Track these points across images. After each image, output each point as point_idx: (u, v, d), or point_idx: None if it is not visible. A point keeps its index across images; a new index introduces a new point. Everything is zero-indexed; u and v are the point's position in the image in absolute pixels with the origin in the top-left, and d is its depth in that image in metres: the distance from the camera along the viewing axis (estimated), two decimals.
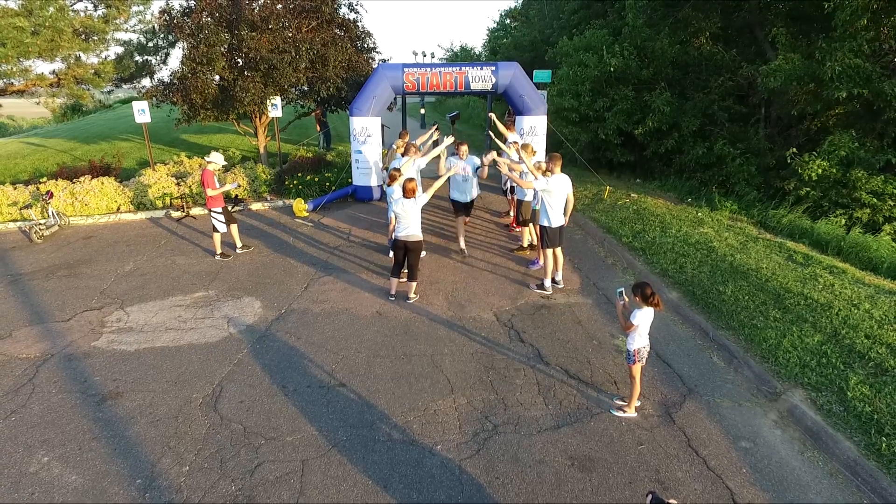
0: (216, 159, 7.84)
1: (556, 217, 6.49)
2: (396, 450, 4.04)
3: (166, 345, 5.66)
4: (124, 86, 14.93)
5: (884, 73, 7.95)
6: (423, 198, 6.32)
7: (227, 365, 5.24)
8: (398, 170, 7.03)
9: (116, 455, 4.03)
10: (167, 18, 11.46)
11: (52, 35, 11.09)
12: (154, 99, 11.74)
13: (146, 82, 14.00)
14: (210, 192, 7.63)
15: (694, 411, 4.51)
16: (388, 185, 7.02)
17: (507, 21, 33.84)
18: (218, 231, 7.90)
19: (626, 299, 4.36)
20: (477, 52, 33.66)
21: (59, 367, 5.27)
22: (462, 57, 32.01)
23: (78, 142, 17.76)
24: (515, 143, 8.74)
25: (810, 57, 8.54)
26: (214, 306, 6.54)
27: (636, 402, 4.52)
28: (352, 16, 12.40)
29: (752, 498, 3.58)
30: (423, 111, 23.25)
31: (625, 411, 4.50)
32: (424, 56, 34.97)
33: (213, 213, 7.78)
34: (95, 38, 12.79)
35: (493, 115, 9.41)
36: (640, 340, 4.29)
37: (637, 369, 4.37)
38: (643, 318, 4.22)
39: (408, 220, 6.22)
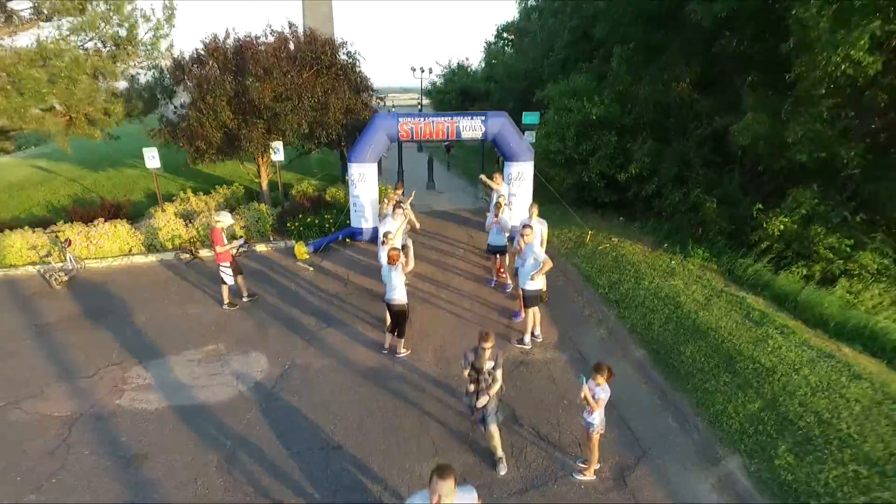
0: (224, 219, 8.49)
1: (537, 283, 7.16)
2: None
3: (183, 403, 6.33)
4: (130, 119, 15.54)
5: (842, 137, 8.62)
6: (408, 267, 6.98)
7: (238, 425, 5.91)
8: (390, 234, 7.69)
9: None
10: (179, 69, 12.17)
11: (67, 84, 11.74)
12: (161, 140, 12.45)
13: (152, 119, 14.68)
14: (219, 249, 8.30)
15: (645, 475, 5.19)
16: (383, 244, 7.68)
17: (504, 35, 34.65)
18: (226, 283, 8.57)
19: (586, 388, 4.91)
20: (473, 69, 34.36)
21: (89, 427, 5.94)
22: (459, 74, 32.66)
23: (85, 167, 18.35)
24: (503, 196, 9.45)
25: (776, 115, 9.21)
26: (224, 361, 7.21)
27: (595, 466, 5.20)
28: (350, 62, 13.03)
29: None
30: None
31: (585, 475, 5.17)
32: (423, 72, 35.71)
33: (221, 267, 8.45)
34: (106, 79, 13.42)
35: (482, 177, 10.13)
36: (600, 414, 4.95)
37: (596, 438, 5.04)
38: (606, 394, 4.89)
39: (391, 284, 6.86)
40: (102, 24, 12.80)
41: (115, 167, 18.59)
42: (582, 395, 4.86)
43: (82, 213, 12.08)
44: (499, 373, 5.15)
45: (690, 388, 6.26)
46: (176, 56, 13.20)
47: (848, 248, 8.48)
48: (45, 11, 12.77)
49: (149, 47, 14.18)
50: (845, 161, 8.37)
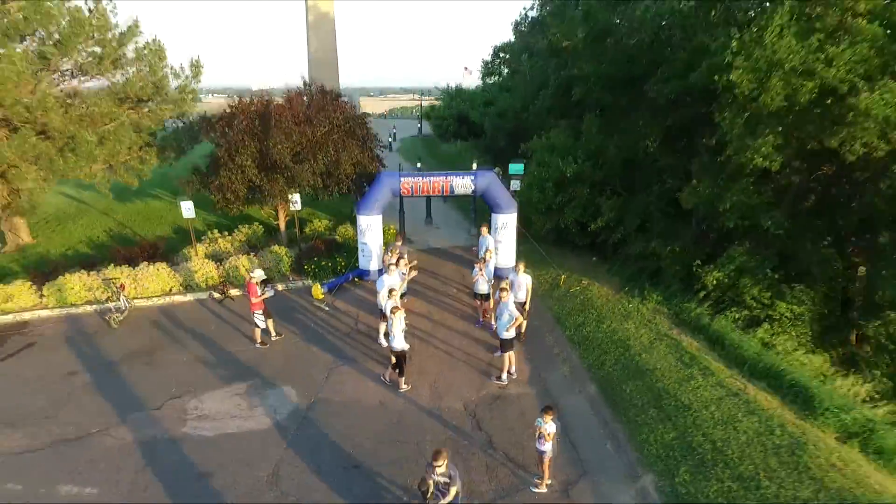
0: (258, 275, 10.32)
1: (511, 332, 9.01)
2: None
3: (234, 431, 8.17)
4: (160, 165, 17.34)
5: (767, 206, 10.47)
6: (401, 319, 8.74)
7: (279, 449, 7.75)
8: (393, 290, 9.52)
9: None
10: (207, 124, 14.04)
11: (114, 145, 13.59)
12: (192, 189, 14.33)
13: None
14: (254, 300, 10.15)
15: (584, 488, 7.04)
16: (389, 298, 9.51)
17: (500, 54, 36.68)
18: (259, 327, 10.42)
19: (542, 427, 6.72)
20: (471, 89, 36.25)
21: (165, 450, 7.77)
22: (458, 99, 34.42)
23: (114, 199, 19.97)
24: (490, 251, 11.32)
25: (716, 184, 11.06)
26: (262, 395, 9.05)
27: (547, 482, 7.04)
28: (359, 119, 14.88)
29: None
30: (419, 165, 25.68)
31: (539, 488, 7.02)
32: (422, 95, 37.52)
33: (255, 314, 10.30)
34: (143, 133, 15.26)
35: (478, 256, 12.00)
36: (550, 444, 6.78)
37: (547, 462, 6.88)
38: (553, 428, 6.72)
39: (392, 332, 8.68)
40: (139, 85, 14.65)
41: (140, 197, 20.41)
42: (538, 432, 6.71)
43: (125, 253, 13.90)
44: (453, 489, 5.59)
45: (626, 420, 8.12)
46: (203, 113, 15.03)
47: (767, 299, 10.34)
48: (88, 70, 14.63)
49: (178, 101, 16.09)
50: (765, 228, 10.23)
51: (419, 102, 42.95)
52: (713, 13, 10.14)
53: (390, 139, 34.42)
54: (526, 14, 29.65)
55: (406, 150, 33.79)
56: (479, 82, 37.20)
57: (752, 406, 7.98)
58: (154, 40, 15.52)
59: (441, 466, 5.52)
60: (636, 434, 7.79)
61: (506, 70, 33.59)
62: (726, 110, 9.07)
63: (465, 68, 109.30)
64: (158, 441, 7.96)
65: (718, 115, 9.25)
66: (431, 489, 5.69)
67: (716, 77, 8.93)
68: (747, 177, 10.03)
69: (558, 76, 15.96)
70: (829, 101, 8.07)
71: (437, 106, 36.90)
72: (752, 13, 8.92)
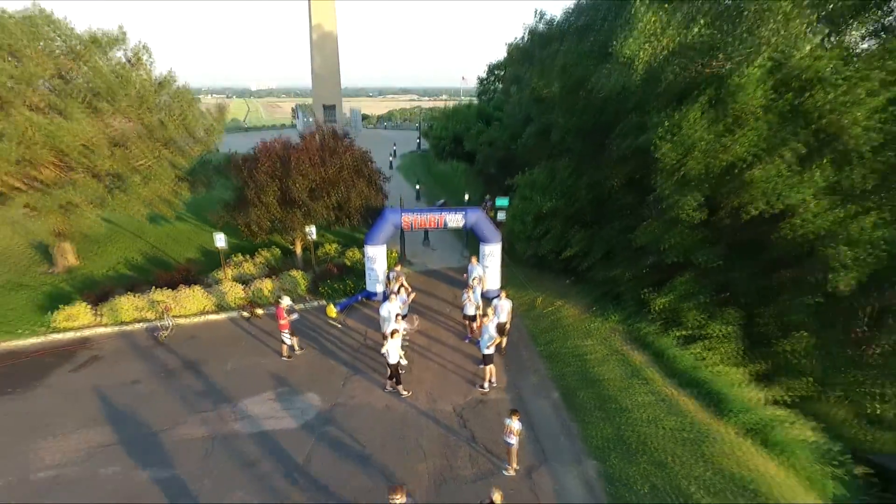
0: (286, 303, 12.58)
1: (492, 349, 11.32)
2: (418, 478, 8.84)
3: (273, 428, 10.45)
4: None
5: (702, 244, 12.79)
6: (397, 341, 11.01)
7: (309, 442, 10.03)
8: (398, 315, 11.81)
9: (271, 492, 8.82)
10: (234, 165, 16.34)
11: (156, 184, 15.85)
12: (221, 221, 16.61)
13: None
14: (282, 322, 12.42)
15: (543, 472, 9.34)
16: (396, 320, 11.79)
17: (496, 71, 39.00)
18: (285, 343, 12.70)
19: (510, 423, 9.05)
20: (468, 103, 38.58)
21: (220, 443, 10.05)
22: (454, 119, 36.60)
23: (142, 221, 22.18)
24: (477, 278, 13.63)
25: (659, 226, 13.38)
26: (291, 400, 11.33)
27: (515, 466, 9.34)
28: (367, 158, 17.18)
29: None
30: (418, 187, 27.99)
31: (509, 472, 9.32)
32: (421, 114, 39.69)
33: (283, 333, 12.57)
34: (176, 168, 17.50)
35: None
36: (516, 438, 9.08)
37: (514, 451, 9.19)
38: (518, 426, 9.03)
39: (390, 351, 10.95)
40: (173, 128, 16.93)
41: (167, 220, 22.59)
42: (507, 429, 9.02)
43: (165, 277, 16.15)
44: None
45: (578, 419, 10.44)
46: (229, 154, 17.28)
47: (702, 320, 12.68)
48: (129, 116, 16.85)
49: (205, 140, 18.37)
50: (700, 262, 12.58)
51: (418, 104, 45.33)
52: (651, 96, 12.48)
53: (391, 157, 36.67)
54: (517, 44, 32.02)
55: (405, 167, 36.09)
56: (475, 99, 39.56)
57: (675, 409, 10.33)
58: (184, 86, 17.85)
59: (398, 499, 6.44)
60: (584, 430, 10.12)
61: (500, 85, 35.93)
62: (660, 174, 11.42)
63: (462, 78, 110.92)
64: (214, 436, 10.23)
65: (655, 178, 11.59)
66: None
67: (652, 147, 11.28)
68: (683, 223, 12.37)
69: (539, 121, 18.30)
70: (735, 172, 10.43)
71: (434, 125, 39.09)
72: (673, 105, 11.27)
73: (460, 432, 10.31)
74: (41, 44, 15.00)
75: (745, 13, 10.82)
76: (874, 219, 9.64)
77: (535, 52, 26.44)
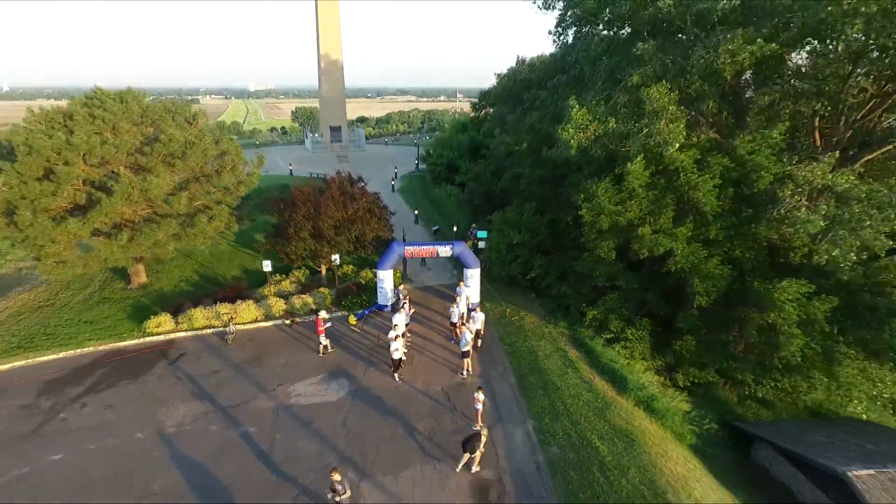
0: (323, 314, 17.41)
1: (468, 347, 16.20)
2: (405, 439, 13.73)
3: (318, 402, 15.32)
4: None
5: (624, 271, 17.69)
6: (400, 343, 15.89)
7: (343, 410, 14.90)
8: (397, 325, 16.68)
9: (322, 440, 13.69)
10: (273, 203, 21.24)
11: (217, 222, 20.71)
12: (264, 249, 21.49)
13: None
14: (320, 328, 17.29)
15: (499, 427, 14.22)
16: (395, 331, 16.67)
17: (486, 99, 43.90)
18: (321, 344, 17.56)
19: (477, 395, 13.94)
20: (459, 137, 43.48)
21: (283, 411, 14.91)
22: (448, 146, 41.60)
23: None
24: (459, 297, 18.54)
25: (591, 258, 18.29)
26: (329, 384, 16.20)
27: (480, 424, 14.19)
28: (377, 200, 22.10)
29: (499, 450, 13.29)
30: (416, 212, 32.88)
31: (478, 427, 14.20)
32: (418, 137, 44.56)
33: (320, 337, 17.44)
34: (229, 207, 22.33)
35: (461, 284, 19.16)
36: (481, 405, 13.96)
37: (479, 414, 14.07)
38: (482, 397, 13.91)
39: (394, 348, 15.81)
40: (227, 176, 21.82)
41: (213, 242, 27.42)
42: (475, 399, 13.92)
43: (222, 293, 20.99)
44: (346, 494, 10.33)
45: (525, 396, 15.33)
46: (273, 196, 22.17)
47: (622, 328, 17.60)
48: (193, 168, 21.68)
49: (248, 182, 23.23)
50: (620, 285, 17.52)
51: (416, 107, 50.51)
52: (585, 163, 17.43)
53: (392, 180, 41.60)
54: (503, 84, 37.07)
55: (405, 190, 41.01)
56: (470, 113, 44.64)
57: (592, 388, 15.24)
58: (234, 144, 22.75)
59: (335, 476, 10.15)
60: (529, 402, 15.00)
61: (492, 110, 40.88)
62: (585, 226, 16.35)
63: (458, 94, 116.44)
64: (279, 407, 15.08)
65: (584, 227, 16.54)
66: (331, 490, 10.42)
67: (580, 204, 16.23)
68: (605, 259, 17.28)
69: (511, 170, 23.27)
70: (631, 228, 15.37)
71: (431, 151, 43.98)
72: (594, 177, 16.25)
73: (445, 404, 15.18)
74: (131, 116, 19.90)
75: (644, 115, 15.76)
76: (717, 262, 14.59)
77: (517, 93, 31.61)
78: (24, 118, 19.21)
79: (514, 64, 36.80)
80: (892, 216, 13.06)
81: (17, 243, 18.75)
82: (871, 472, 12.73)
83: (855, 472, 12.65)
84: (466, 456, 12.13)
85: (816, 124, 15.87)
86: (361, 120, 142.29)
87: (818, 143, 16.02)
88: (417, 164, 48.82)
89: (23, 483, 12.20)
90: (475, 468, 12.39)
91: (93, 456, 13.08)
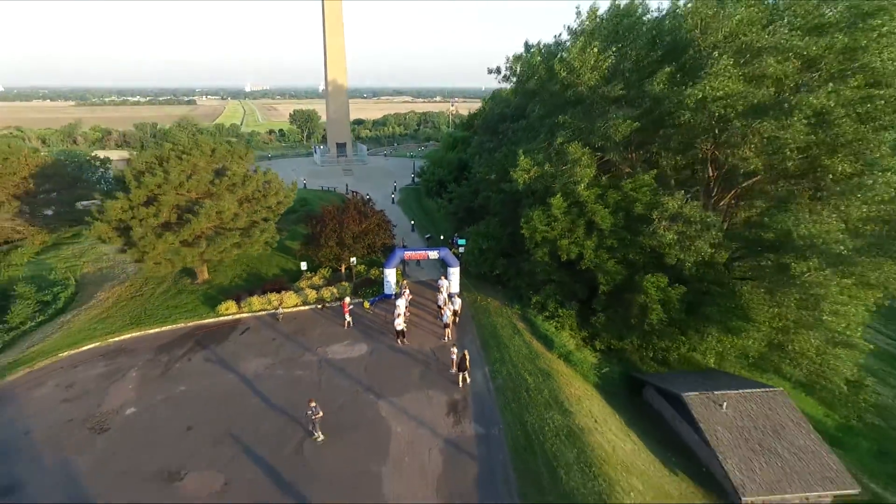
0: (348, 300, 24.92)
1: (448, 321, 23.78)
2: (405, 377, 21.28)
3: (346, 357, 22.88)
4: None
5: (557, 268, 25.29)
6: (401, 318, 23.47)
7: (364, 363, 22.46)
8: (399, 306, 24.25)
9: (353, 379, 21.24)
10: (308, 218, 28.85)
11: (267, 234, 28.21)
12: (300, 253, 29.08)
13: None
14: (345, 309, 24.83)
15: (468, 372, 21.80)
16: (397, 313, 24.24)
17: (465, 130, 51.45)
18: (346, 321, 25.09)
19: (453, 349, 21.52)
20: (449, 155, 50.99)
21: (324, 363, 22.46)
22: (438, 164, 49.16)
23: None
24: (443, 286, 26.19)
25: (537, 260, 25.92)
26: (353, 346, 23.77)
27: (454, 370, 21.77)
28: (381, 215, 29.70)
29: (462, 385, 20.90)
30: (412, 222, 40.41)
31: (451, 370, 21.78)
32: (414, 156, 52.14)
33: (346, 315, 24.97)
34: (273, 222, 29.82)
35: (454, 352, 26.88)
36: (455, 357, 21.53)
37: (454, 362, 21.65)
38: (462, 351, 21.50)
39: (398, 323, 23.37)
40: (272, 199, 29.39)
41: None
42: (451, 352, 21.52)
43: (268, 286, 28.46)
44: (318, 415, 18.27)
45: (486, 352, 22.93)
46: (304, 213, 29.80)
47: (556, 308, 25.23)
48: (248, 194, 29.12)
49: (286, 201, 30.78)
50: (555, 278, 25.17)
51: (412, 108, 58.34)
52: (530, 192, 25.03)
53: (392, 194, 49.11)
54: (484, 114, 44.66)
55: (403, 202, 48.63)
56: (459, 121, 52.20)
57: (530, 347, 22.88)
58: (273, 173, 30.30)
59: (312, 403, 17.23)
60: (487, 356, 22.59)
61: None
62: (526, 240, 23.96)
63: (452, 104, 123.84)
64: (321, 361, 22.61)
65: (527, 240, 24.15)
66: (309, 410, 17.50)
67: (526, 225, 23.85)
68: (542, 261, 24.87)
69: (483, 194, 30.90)
70: (556, 241, 23.00)
71: (425, 168, 51.49)
72: (534, 204, 23.84)
73: (432, 357, 22.74)
74: (205, 157, 27.39)
75: (567, 162, 23.34)
76: (613, 262, 22.27)
77: (494, 125, 39.27)
78: (131, 159, 26.68)
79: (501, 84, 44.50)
80: (714, 233, 20.70)
81: (128, 249, 26.20)
82: (696, 393, 20.42)
83: (686, 394, 20.35)
84: (461, 374, 19.86)
85: (689, 164, 23.55)
86: (358, 122, 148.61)
87: (713, 177, 23.65)
88: (413, 178, 56.37)
89: (168, 402, 19.68)
90: (469, 379, 20.04)
91: (205, 387, 20.59)
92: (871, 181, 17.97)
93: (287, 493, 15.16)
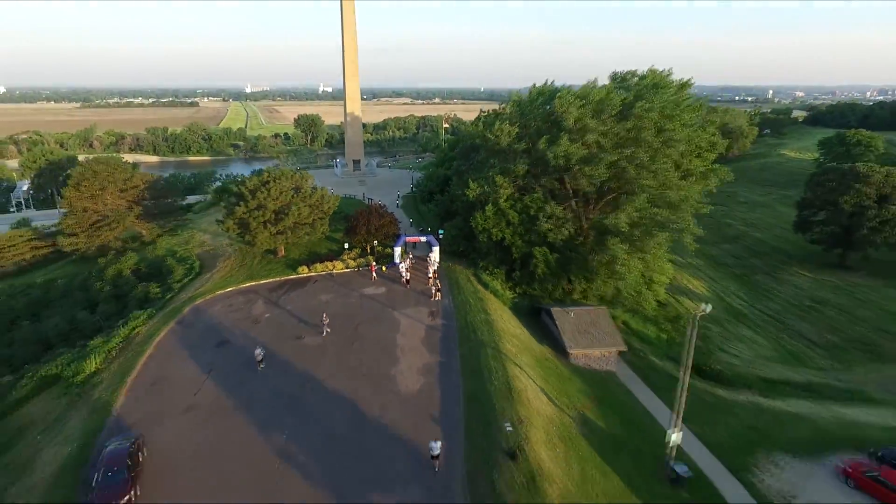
0: (374, 264, 43.47)
1: (431, 275, 42.40)
2: (406, 302, 39.87)
3: (374, 293, 41.53)
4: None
5: (494, 248, 43.87)
6: (406, 272, 42.08)
7: (384, 296, 41.06)
8: (403, 266, 42.86)
9: (379, 303, 39.87)
10: (348, 221, 47.74)
11: (324, 227, 46.87)
12: (342, 237, 47.98)
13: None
14: (373, 269, 43.46)
15: (442, 300, 40.40)
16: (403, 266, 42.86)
17: (450, 153, 70.22)
18: (374, 276, 43.68)
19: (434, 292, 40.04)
20: (440, 170, 69.65)
21: (363, 296, 41.05)
22: (432, 174, 67.72)
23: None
24: (431, 258, 45.06)
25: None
26: (378, 289, 42.46)
27: (433, 298, 40.33)
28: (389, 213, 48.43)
29: (439, 307, 39.52)
30: (411, 220, 59.02)
31: (432, 300, 40.37)
32: (411, 169, 70.89)
33: (372, 273, 43.58)
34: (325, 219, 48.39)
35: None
36: (438, 300, 40.07)
37: (433, 294, 40.24)
38: (448, 301, 40.08)
39: (404, 276, 41.92)
40: (325, 204, 48.35)
41: None
42: (434, 296, 40.19)
43: (324, 257, 47.04)
44: (328, 328, 39.33)
45: (452, 296, 41.49)
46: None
47: (493, 269, 43.92)
48: (308, 202, 47.97)
49: (332, 205, 49.72)
50: (494, 253, 43.94)
51: (411, 111, 77.59)
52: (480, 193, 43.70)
53: (397, 201, 67.75)
54: (462, 143, 63.35)
55: (405, 206, 67.31)
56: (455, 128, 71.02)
57: (479, 293, 41.73)
58: (325, 190, 49.19)
59: (325, 317, 36.72)
60: (454, 299, 41.11)
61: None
62: (477, 231, 42.65)
63: (445, 120, 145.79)
64: (360, 295, 41.17)
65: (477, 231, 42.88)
66: (322, 323, 37.72)
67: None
68: (485, 243, 43.50)
69: (456, 202, 49.68)
70: (491, 230, 41.72)
71: (420, 181, 69.96)
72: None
73: (423, 294, 41.26)
74: (289, 179, 46.06)
75: (495, 184, 41.87)
76: (520, 242, 41.01)
77: (466, 153, 58.29)
78: (246, 180, 45.42)
79: (482, 111, 63.04)
80: (569, 226, 39.36)
81: (245, 236, 44.80)
82: (560, 308, 39.10)
83: (552, 308, 39.06)
84: (436, 297, 38.58)
85: (568, 187, 42.14)
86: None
87: (571, 194, 42.18)
88: (412, 188, 74.97)
89: (283, 313, 38.27)
90: (441, 299, 38.75)
91: (299, 307, 39.16)
92: (636, 198, 36.77)
93: (354, 340, 33.82)
